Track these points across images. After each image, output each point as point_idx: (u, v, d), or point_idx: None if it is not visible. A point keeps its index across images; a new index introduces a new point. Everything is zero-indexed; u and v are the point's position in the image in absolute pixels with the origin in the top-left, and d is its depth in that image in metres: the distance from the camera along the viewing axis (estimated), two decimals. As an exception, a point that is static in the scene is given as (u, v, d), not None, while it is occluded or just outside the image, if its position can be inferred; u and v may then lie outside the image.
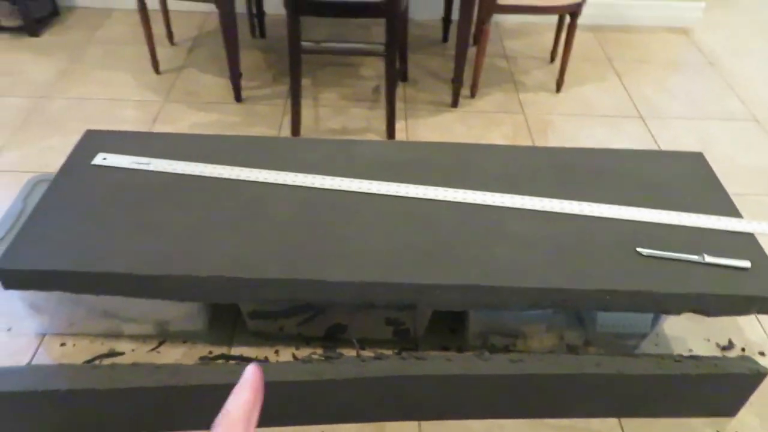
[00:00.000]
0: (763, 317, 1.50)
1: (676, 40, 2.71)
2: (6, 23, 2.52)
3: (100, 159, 1.44)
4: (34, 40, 2.53)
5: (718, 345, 1.43)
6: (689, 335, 1.46)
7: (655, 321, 1.34)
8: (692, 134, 2.12)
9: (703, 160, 1.52)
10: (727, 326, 1.47)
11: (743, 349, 1.41)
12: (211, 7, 2.06)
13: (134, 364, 1.22)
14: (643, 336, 1.37)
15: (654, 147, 2.05)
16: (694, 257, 1.24)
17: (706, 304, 1.20)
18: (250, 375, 0.34)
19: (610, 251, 1.26)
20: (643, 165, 1.51)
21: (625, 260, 1.24)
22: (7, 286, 1.23)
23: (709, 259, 1.23)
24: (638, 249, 1.26)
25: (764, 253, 1.25)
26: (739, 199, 1.85)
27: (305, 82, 2.31)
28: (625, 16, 2.80)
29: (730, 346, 1.42)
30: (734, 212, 1.36)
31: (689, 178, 1.47)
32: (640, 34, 2.75)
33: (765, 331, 1.47)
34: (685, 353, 1.34)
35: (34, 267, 1.19)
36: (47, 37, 2.56)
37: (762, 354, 1.41)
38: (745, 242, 1.28)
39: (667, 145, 2.06)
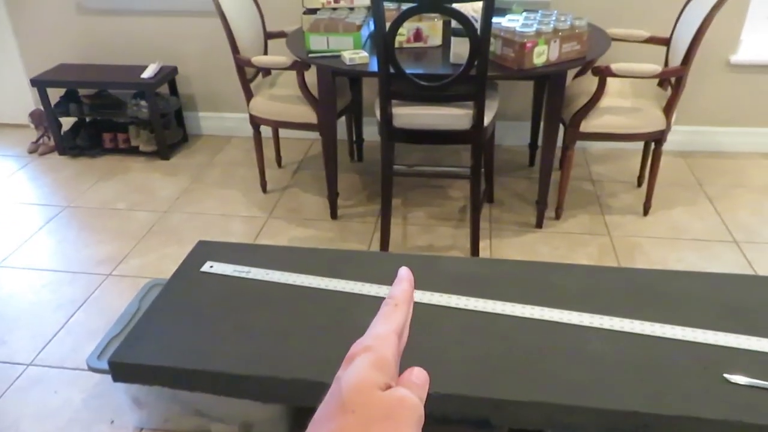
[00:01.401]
0: None
1: (774, 166, 2.66)
2: (144, 148, 2.93)
3: (207, 266, 1.61)
4: (164, 162, 2.90)
5: (831, 492, 1.29)
6: (797, 479, 1.33)
7: (753, 457, 1.24)
8: (794, 261, 2.03)
9: (800, 287, 1.46)
10: (843, 472, 1.33)
11: None
12: (317, 134, 2.30)
13: (218, 461, 1.29)
14: (741, 474, 1.27)
15: (750, 273, 1.97)
16: (790, 388, 1.17)
17: (806, 441, 1.11)
18: (405, 271, 0.43)
19: (695, 376, 1.22)
20: (732, 289, 1.47)
21: (711, 386, 1.19)
22: (116, 378, 1.36)
23: (806, 391, 1.16)
24: (725, 375, 1.21)
25: None
26: None
27: (396, 201, 2.46)
28: (717, 142, 2.80)
29: None
30: (835, 343, 1.28)
31: (784, 305, 1.41)
32: (733, 160, 2.72)
33: None
34: (791, 498, 1.22)
35: (140, 362, 1.32)
36: (176, 160, 2.93)
37: None
38: None
39: (764, 271, 1.98)
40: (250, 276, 1.57)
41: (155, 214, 2.45)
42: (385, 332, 0.38)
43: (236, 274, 1.58)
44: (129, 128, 2.94)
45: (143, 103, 2.82)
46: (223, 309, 1.45)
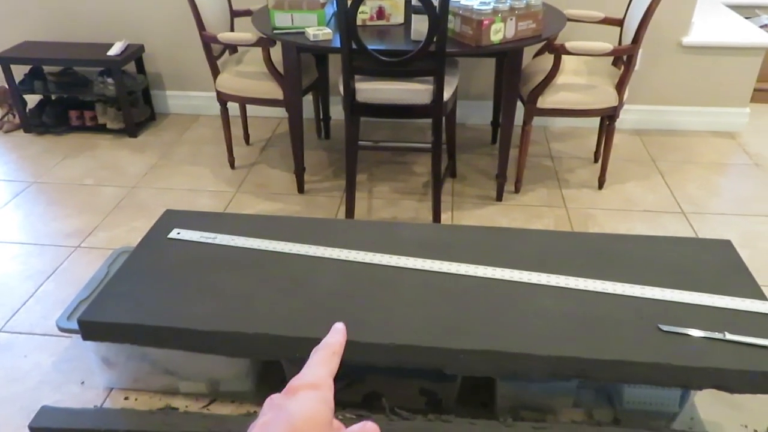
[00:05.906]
0: (805, 407, 1.47)
1: (722, 143, 2.79)
2: (111, 126, 2.93)
3: (174, 233, 1.66)
4: (132, 140, 2.91)
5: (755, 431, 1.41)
6: (726, 421, 1.45)
7: (683, 399, 1.35)
8: (735, 229, 2.16)
9: (731, 248, 1.57)
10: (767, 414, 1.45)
11: (782, 438, 1.39)
12: (284, 113, 2.34)
13: (186, 412, 1.35)
14: (673, 415, 1.38)
15: (695, 241, 2.09)
16: (716, 334, 1.27)
17: (728, 380, 1.22)
18: (341, 325, 0.46)
19: (632, 326, 1.32)
20: (671, 250, 1.57)
21: (646, 335, 1.29)
22: (86, 337, 1.41)
23: (730, 336, 1.26)
24: (659, 325, 1.31)
25: (788, 333, 1.27)
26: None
27: (362, 177, 2.53)
28: (671, 121, 2.92)
29: (768, 433, 1.40)
30: (759, 295, 1.40)
31: (716, 263, 1.52)
32: (685, 138, 2.85)
33: (807, 421, 1.44)
34: (717, 436, 1.34)
35: (110, 320, 1.37)
36: (143, 138, 2.94)
37: (803, 444, 1.38)
38: (768, 323, 1.31)
39: (708, 239, 2.10)
40: (216, 242, 1.62)
41: (123, 190, 2.48)
42: (326, 375, 0.41)
43: (203, 240, 1.64)
44: (96, 106, 2.94)
45: (110, 80, 2.82)
46: (190, 272, 1.51)
